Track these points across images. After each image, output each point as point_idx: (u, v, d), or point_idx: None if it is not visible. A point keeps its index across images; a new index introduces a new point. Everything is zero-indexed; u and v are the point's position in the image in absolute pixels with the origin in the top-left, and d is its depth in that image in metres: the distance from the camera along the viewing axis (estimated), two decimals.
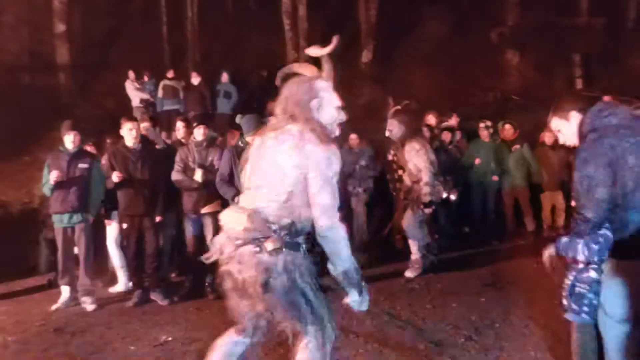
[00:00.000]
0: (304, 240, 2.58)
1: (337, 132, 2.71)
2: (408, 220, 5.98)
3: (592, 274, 2.68)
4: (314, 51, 2.76)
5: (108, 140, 6.90)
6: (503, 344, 3.98)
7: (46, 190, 5.67)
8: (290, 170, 2.47)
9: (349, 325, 4.38)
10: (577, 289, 2.71)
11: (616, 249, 2.68)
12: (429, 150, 5.92)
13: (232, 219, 2.54)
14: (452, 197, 5.97)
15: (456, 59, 13.25)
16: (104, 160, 5.82)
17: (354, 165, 7.29)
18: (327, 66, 2.71)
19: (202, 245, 5.68)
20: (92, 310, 5.50)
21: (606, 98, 7.88)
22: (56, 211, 5.61)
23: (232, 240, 2.51)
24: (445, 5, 14.79)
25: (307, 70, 2.74)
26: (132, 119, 5.98)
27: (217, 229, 2.84)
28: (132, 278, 5.87)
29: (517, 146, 7.74)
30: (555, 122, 3.04)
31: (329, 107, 2.63)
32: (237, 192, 4.34)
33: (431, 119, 7.85)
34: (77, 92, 13.35)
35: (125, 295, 5.98)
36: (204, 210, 5.75)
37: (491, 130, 7.79)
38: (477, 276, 5.86)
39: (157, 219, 5.70)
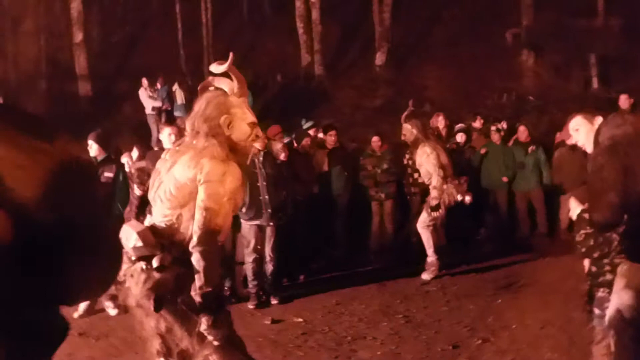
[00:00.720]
0: None
1: (256, 147, 2.66)
2: (421, 223, 6.03)
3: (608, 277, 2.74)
4: (215, 68, 2.70)
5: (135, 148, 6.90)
6: (519, 346, 4.01)
7: None
8: (183, 183, 2.46)
9: (365, 328, 4.43)
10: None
11: (634, 252, 2.71)
12: (441, 153, 5.96)
13: (125, 235, 2.47)
14: (467, 199, 6.00)
15: (471, 60, 13.26)
16: (136, 167, 5.86)
17: (376, 169, 7.26)
18: (235, 78, 2.63)
19: None
20: (115, 315, 5.60)
21: (622, 97, 7.92)
22: None
23: (128, 257, 2.48)
24: (459, 7, 14.79)
25: (225, 84, 2.67)
26: (171, 123, 5.88)
27: None
28: None
29: (533, 147, 7.74)
30: (578, 121, 3.11)
31: (242, 123, 2.57)
32: None
33: (440, 122, 7.86)
34: (96, 99, 13.58)
35: None
36: None
37: (502, 133, 7.80)
38: (493, 278, 5.88)
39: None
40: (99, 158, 5.70)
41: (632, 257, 2.72)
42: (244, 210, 5.10)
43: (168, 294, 2.41)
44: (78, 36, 13.39)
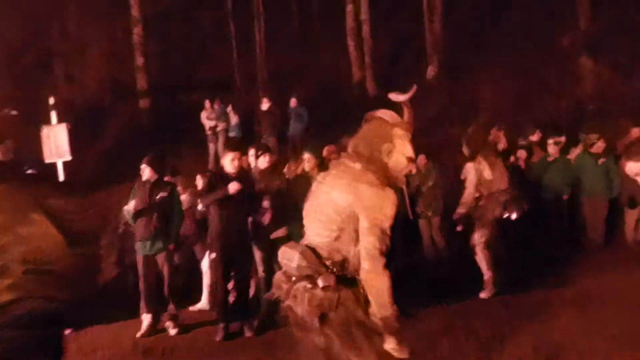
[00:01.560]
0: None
1: (403, 181, 2.73)
2: (473, 240, 5.96)
3: None
4: (394, 96, 2.78)
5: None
6: None
7: (130, 217, 6.03)
8: (342, 207, 2.53)
9: (426, 345, 4.39)
10: None
11: None
12: (486, 168, 5.89)
13: (287, 256, 2.63)
14: (513, 216, 5.87)
15: (527, 66, 12.96)
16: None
17: (422, 187, 7.25)
18: (406, 110, 2.75)
19: None
20: (174, 334, 5.80)
21: None
22: (140, 238, 5.92)
23: (288, 277, 2.62)
24: (512, 12, 14.51)
25: (388, 115, 2.76)
26: (233, 149, 5.93)
27: None
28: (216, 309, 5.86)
29: (603, 159, 7.49)
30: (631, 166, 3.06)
31: (400, 155, 2.67)
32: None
33: (501, 138, 7.71)
34: (158, 116, 14.11)
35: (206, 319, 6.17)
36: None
37: (560, 146, 7.63)
38: (557, 294, 5.70)
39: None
40: (152, 180, 5.94)
41: None
42: None
43: (332, 311, 2.50)
44: (140, 60, 14.01)
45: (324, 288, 2.49)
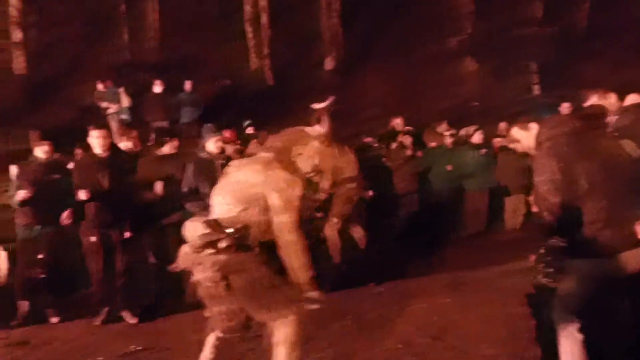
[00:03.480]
0: (259, 245, 2.88)
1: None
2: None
3: None
4: (314, 105, 3.10)
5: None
6: (464, 342, 4.13)
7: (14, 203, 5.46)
8: (253, 186, 2.87)
9: (317, 330, 4.44)
10: None
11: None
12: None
13: (191, 228, 2.87)
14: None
15: (418, 65, 13.56)
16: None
17: None
18: (324, 120, 3.03)
19: None
20: (57, 323, 5.41)
21: (564, 105, 8.14)
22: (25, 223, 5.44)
23: (192, 247, 2.87)
24: (405, 14, 15.11)
25: (311, 129, 3.08)
26: (101, 127, 5.53)
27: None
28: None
29: (485, 150, 8.02)
30: (515, 133, 3.31)
31: (309, 161, 2.96)
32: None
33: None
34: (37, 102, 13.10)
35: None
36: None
37: (454, 139, 8.08)
38: (436, 279, 6.02)
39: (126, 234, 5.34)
40: (46, 159, 5.54)
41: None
42: None
43: (234, 275, 2.77)
44: (17, 35, 12.86)
45: (225, 249, 2.75)
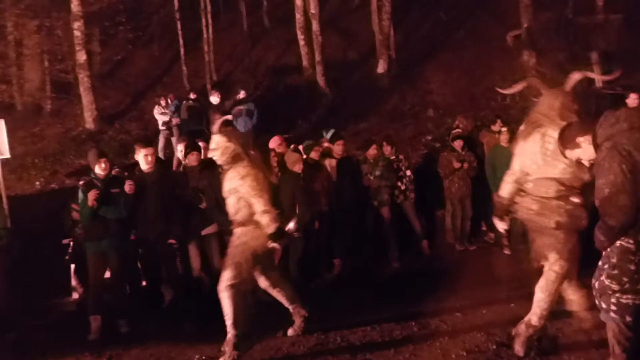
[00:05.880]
0: None
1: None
2: None
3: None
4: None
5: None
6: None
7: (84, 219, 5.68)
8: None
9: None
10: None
11: None
12: None
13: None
14: None
15: (473, 63, 13.27)
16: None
17: (370, 176, 7.27)
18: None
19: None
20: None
21: (632, 96, 7.65)
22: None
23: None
24: (459, 12, 14.85)
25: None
26: (147, 145, 5.94)
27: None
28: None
29: None
30: (570, 154, 3.26)
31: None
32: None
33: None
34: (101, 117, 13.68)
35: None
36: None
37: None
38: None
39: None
40: (104, 176, 5.69)
41: None
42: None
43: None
44: (81, 57, 13.42)
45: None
